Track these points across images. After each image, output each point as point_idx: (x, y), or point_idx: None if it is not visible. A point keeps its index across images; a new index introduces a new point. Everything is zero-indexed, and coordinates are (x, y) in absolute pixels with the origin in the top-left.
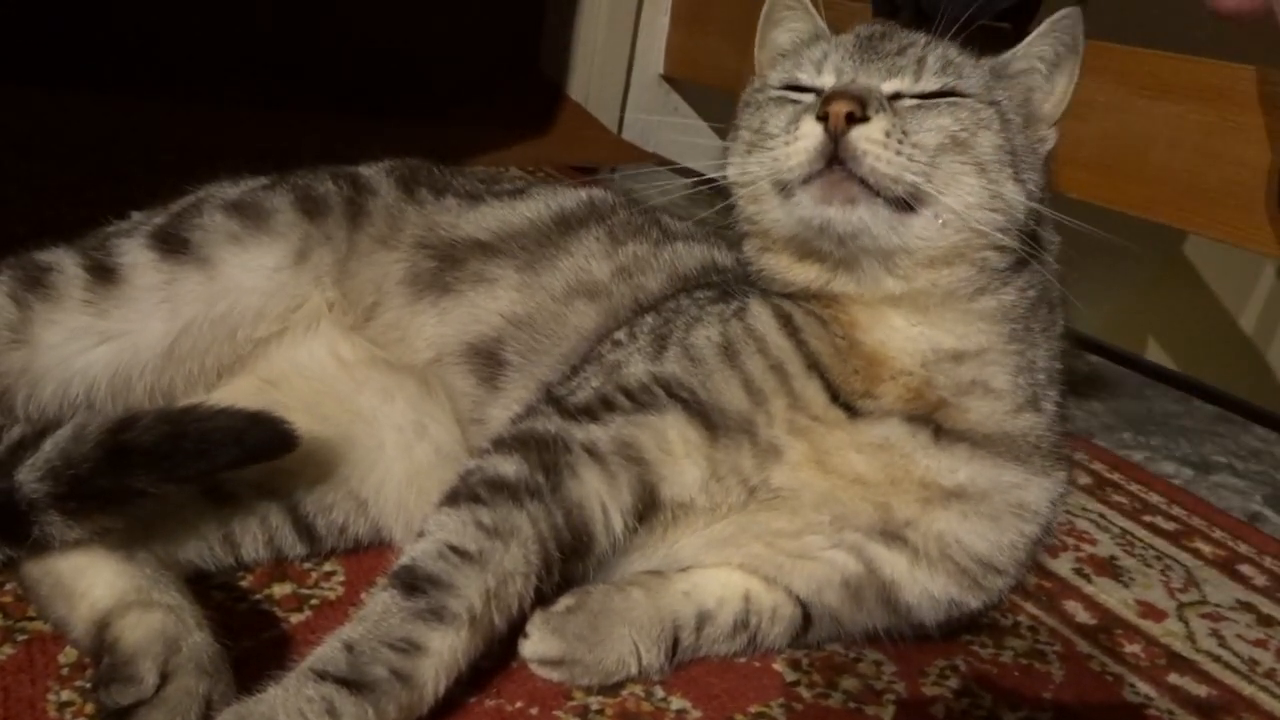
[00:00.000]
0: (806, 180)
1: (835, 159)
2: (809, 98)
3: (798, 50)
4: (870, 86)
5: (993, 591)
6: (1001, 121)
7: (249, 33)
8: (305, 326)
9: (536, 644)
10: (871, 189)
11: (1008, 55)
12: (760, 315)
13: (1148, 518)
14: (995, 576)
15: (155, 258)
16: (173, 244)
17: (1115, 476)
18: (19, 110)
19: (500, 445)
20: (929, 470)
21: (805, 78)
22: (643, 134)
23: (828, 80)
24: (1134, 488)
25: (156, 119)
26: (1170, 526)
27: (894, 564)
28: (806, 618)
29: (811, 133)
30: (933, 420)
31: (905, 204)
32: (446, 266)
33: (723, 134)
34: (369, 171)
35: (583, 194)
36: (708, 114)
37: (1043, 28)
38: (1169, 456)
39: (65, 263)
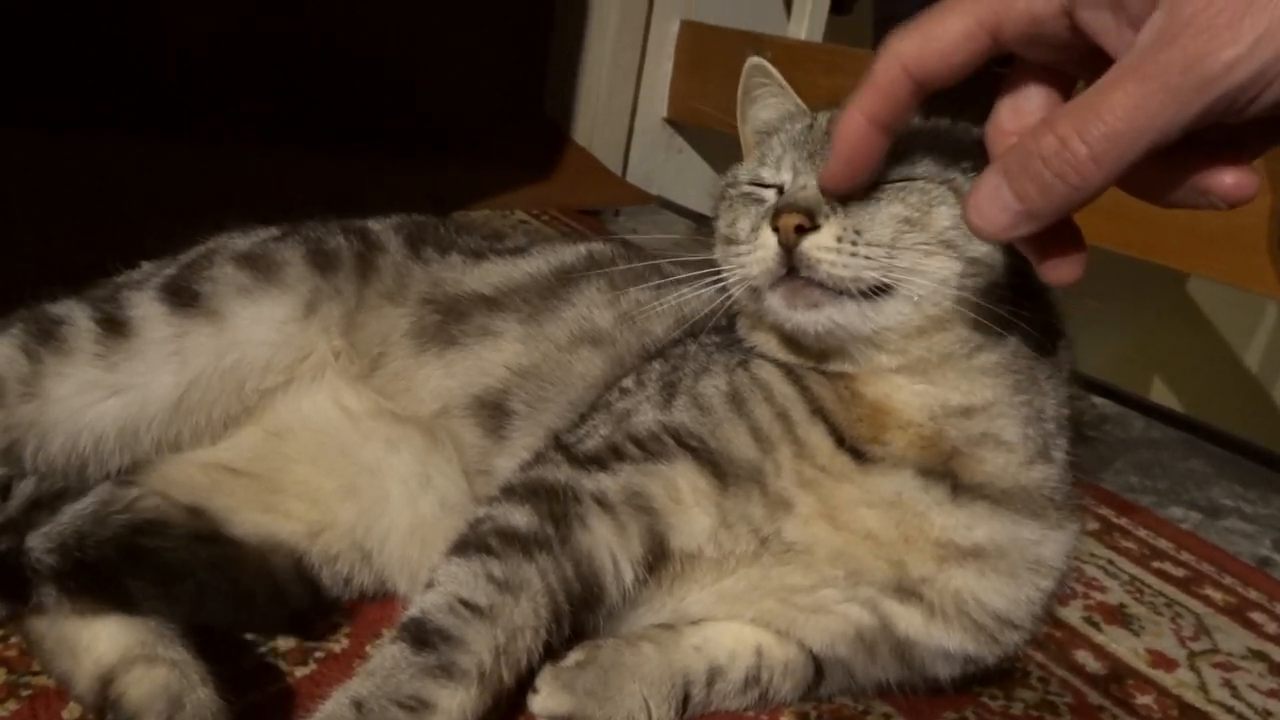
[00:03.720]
0: (772, 286)
1: (793, 267)
2: (772, 195)
3: (767, 138)
4: (820, 192)
5: (1009, 646)
6: (958, 195)
7: (259, 74)
8: (311, 377)
9: (546, 699)
10: (833, 290)
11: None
12: (765, 364)
13: (1156, 564)
14: (1011, 631)
15: (166, 310)
16: (183, 297)
17: (1123, 521)
18: (25, 152)
19: (510, 494)
20: (944, 530)
21: (768, 174)
22: (646, 177)
23: (786, 178)
24: (1142, 533)
25: (162, 160)
26: (1179, 573)
27: (909, 620)
28: (818, 671)
29: (768, 243)
30: (949, 473)
31: (875, 291)
32: (451, 320)
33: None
34: (378, 227)
35: (582, 248)
36: (711, 156)
37: None
38: (1176, 500)
39: (76, 315)
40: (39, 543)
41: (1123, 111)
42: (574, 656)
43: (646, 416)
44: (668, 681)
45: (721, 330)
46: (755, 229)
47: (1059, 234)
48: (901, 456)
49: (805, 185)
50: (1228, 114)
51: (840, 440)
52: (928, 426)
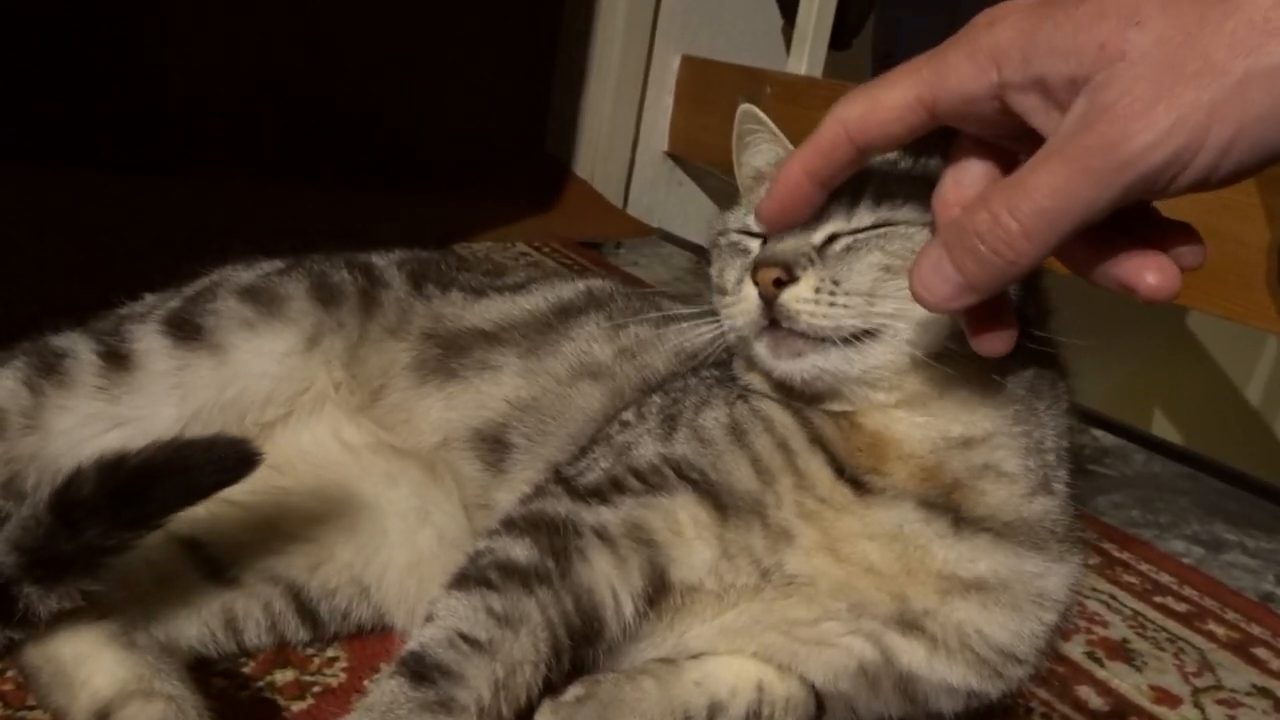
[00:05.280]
0: (757, 336)
1: (775, 318)
2: (757, 245)
3: (757, 185)
4: (798, 243)
5: (1013, 681)
6: None
7: (265, 111)
8: (310, 410)
9: None
10: (815, 338)
11: None
12: (764, 397)
13: (1159, 599)
14: (1015, 666)
15: (169, 344)
16: (186, 330)
17: (1125, 555)
18: (32, 188)
19: (510, 526)
20: (946, 562)
21: (754, 224)
22: (648, 210)
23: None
24: (1144, 567)
25: (167, 196)
26: (1182, 608)
27: (912, 653)
28: (820, 706)
29: (750, 296)
30: (951, 506)
31: (859, 336)
32: (452, 354)
33: (725, 209)
34: (382, 263)
35: (580, 284)
36: (711, 190)
37: None
38: (1179, 534)
39: (79, 349)
40: None
41: (1049, 190)
42: (573, 691)
43: (647, 449)
44: (667, 717)
45: (721, 364)
46: (740, 280)
47: (993, 309)
48: (902, 489)
49: (783, 237)
50: (1148, 194)
51: (840, 470)
52: (929, 458)
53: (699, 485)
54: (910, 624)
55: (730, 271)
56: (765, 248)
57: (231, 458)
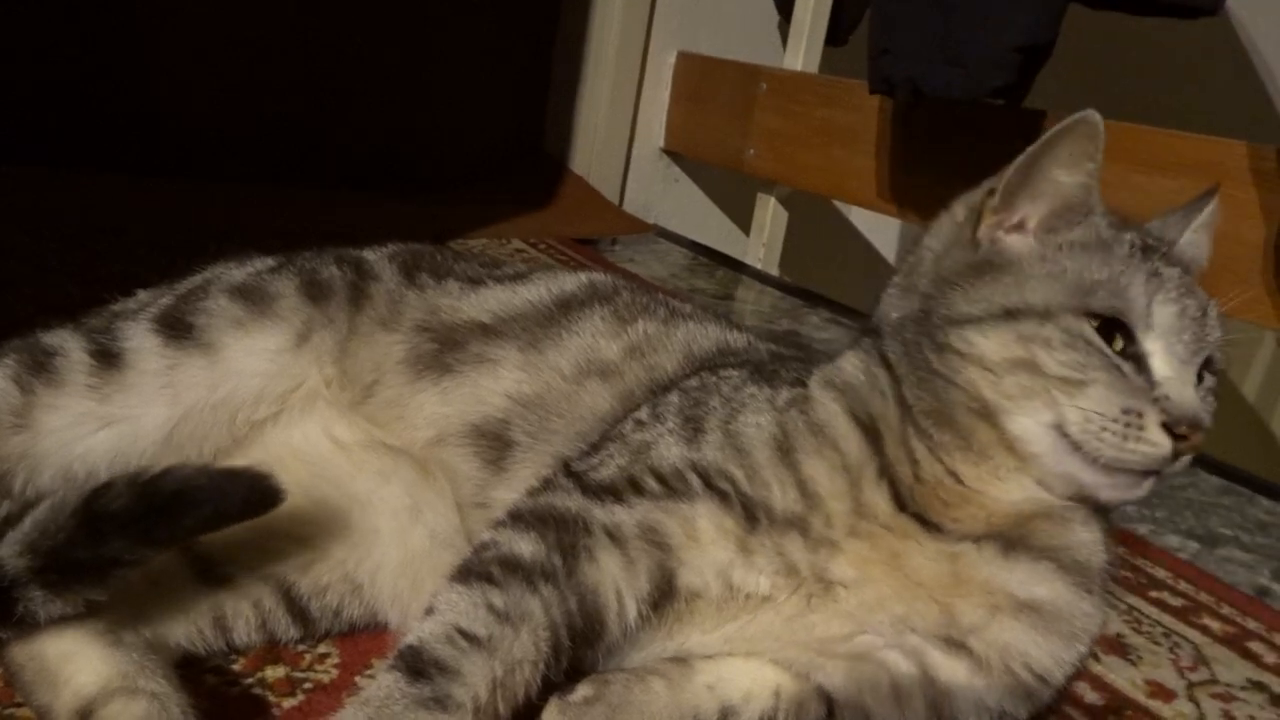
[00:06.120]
0: (1111, 473)
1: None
2: (1130, 370)
3: (1115, 265)
4: (1198, 394)
5: (1040, 704)
6: None
7: (263, 114)
8: (301, 407)
9: None
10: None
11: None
12: (832, 410)
13: (1154, 593)
14: (1046, 689)
15: (160, 343)
16: (178, 329)
17: (1120, 550)
18: (27, 190)
19: (518, 519)
20: (993, 578)
21: (1147, 347)
22: (644, 206)
23: (1152, 346)
24: (1139, 562)
25: (164, 196)
26: (1177, 602)
27: (953, 672)
28: (830, 713)
29: (1160, 444)
30: (1015, 538)
31: None
32: (447, 348)
33: (721, 206)
34: (373, 256)
35: (583, 277)
36: (708, 186)
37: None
38: (1174, 530)
39: (70, 347)
40: (7, 550)
41: None
42: (582, 692)
43: (670, 451)
44: None
45: (741, 366)
46: (1136, 413)
47: None
48: (969, 531)
49: (1186, 386)
50: None
51: (902, 505)
52: (1028, 511)
53: (727, 496)
54: (956, 643)
55: (1105, 391)
56: (1192, 407)
57: (260, 491)
